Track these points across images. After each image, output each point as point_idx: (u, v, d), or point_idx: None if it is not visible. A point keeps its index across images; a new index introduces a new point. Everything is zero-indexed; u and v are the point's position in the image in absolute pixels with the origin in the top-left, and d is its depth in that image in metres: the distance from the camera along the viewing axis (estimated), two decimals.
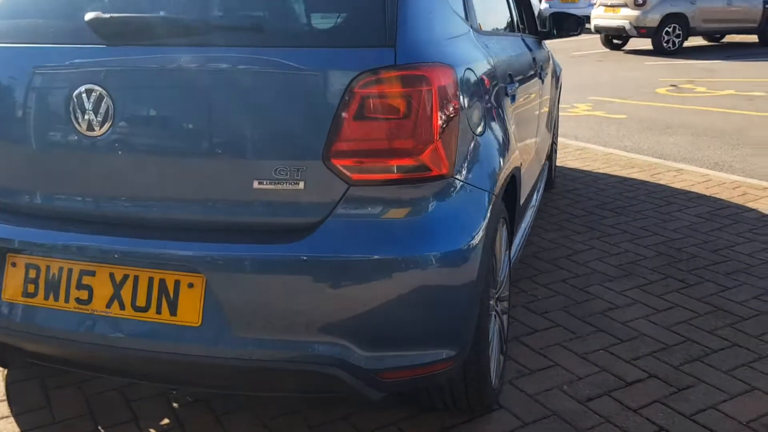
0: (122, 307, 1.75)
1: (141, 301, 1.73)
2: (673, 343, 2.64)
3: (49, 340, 1.82)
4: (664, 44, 13.53)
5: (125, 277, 1.75)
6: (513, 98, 2.42)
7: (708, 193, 4.53)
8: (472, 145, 1.86)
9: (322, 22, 1.76)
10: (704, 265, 3.37)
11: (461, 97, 1.80)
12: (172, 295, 1.72)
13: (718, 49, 14.68)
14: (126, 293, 1.74)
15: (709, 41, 15.89)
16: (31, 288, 1.82)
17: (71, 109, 1.74)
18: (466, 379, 1.99)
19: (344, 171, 1.66)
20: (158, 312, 1.72)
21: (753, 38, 15.13)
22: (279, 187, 1.67)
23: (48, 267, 1.81)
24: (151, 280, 1.73)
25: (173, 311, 1.71)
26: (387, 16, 1.67)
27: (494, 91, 2.17)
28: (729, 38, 16.10)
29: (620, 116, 7.51)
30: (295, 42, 1.70)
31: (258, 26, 1.73)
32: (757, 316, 2.85)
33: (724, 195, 4.49)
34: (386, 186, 1.68)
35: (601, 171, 5.21)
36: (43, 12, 1.88)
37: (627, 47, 14.76)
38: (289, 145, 1.66)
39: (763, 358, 2.53)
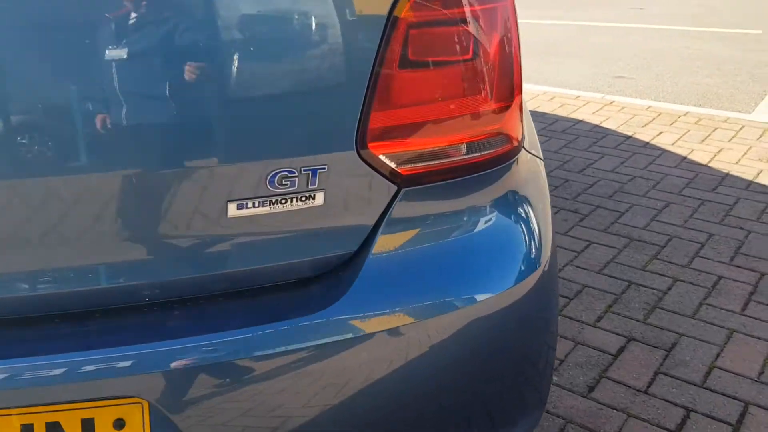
0: None
1: None
2: (620, 291, 2.32)
3: None
4: None
5: None
6: None
7: (530, 107, 4.34)
8: None
9: None
10: (583, 190, 3.12)
11: None
12: None
13: None
14: None
15: None
16: None
17: None
18: None
19: (389, 163, 0.92)
20: None
21: None
22: (278, 209, 0.88)
23: None
24: (26, 430, 0.85)
25: None
26: None
27: None
28: None
29: None
30: None
31: None
32: (670, 241, 2.65)
33: (545, 108, 4.33)
34: (449, 181, 0.98)
35: None
36: None
37: None
38: (294, 128, 0.86)
39: (712, 293, 2.31)
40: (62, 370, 0.83)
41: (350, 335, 0.89)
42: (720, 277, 2.39)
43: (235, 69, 0.82)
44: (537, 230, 1.07)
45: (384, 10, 0.86)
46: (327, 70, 0.86)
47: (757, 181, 3.19)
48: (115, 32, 0.78)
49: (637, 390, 1.86)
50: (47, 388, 0.84)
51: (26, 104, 0.78)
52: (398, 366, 0.92)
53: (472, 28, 0.93)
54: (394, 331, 0.91)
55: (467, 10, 0.92)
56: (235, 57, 0.82)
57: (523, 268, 1.01)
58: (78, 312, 0.89)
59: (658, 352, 2.01)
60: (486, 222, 1.01)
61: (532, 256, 1.03)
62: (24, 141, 0.79)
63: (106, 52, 0.78)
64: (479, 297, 0.96)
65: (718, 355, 1.99)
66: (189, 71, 0.81)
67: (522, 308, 1.01)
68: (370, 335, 0.90)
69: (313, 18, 0.84)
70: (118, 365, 0.85)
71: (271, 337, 0.87)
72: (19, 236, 0.83)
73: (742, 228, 2.74)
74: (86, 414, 0.86)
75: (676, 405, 1.80)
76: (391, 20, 0.87)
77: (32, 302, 0.87)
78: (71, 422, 0.86)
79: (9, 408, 0.84)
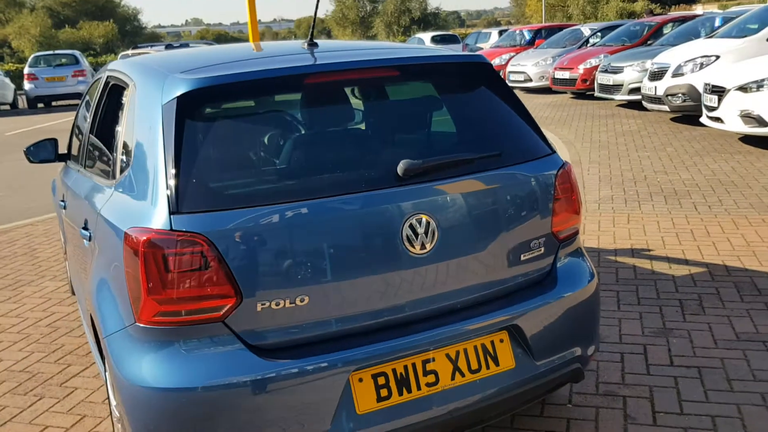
0: (462, 375, 2.27)
1: (475, 365, 2.29)
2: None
3: (408, 429, 2.18)
4: None
5: (457, 353, 2.27)
6: None
7: None
8: None
9: (517, 145, 2.54)
10: None
11: None
12: (492, 352, 2.33)
13: None
14: (462, 364, 2.27)
15: None
16: (384, 392, 2.16)
17: (403, 236, 2.17)
18: None
19: (559, 236, 2.55)
20: (487, 368, 2.31)
21: None
22: (530, 255, 2.46)
23: (394, 370, 2.18)
24: (476, 348, 2.31)
25: (496, 363, 2.33)
26: (542, 135, 2.61)
27: None
28: None
29: None
30: (517, 160, 2.47)
31: (497, 154, 2.43)
32: None
33: None
34: (571, 238, 2.63)
35: None
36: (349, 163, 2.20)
37: None
38: (537, 227, 2.45)
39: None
40: (483, 322, 2.31)
41: (568, 293, 2.48)
42: None
43: (517, 214, 2.41)
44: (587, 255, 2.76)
45: (551, 182, 2.51)
46: (542, 205, 2.47)
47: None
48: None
49: None
50: (481, 332, 2.30)
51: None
52: (579, 300, 2.52)
53: (573, 184, 2.61)
54: (577, 294, 2.51)
55: (573, 176, 2.60)
56: (517, 210, 2.41)
57: (593, 270, 2.69)
58: (476, 304, 2.37)
59: None
60: (577, 251, 2.67)
61: (593, 266, 2.71)
62: None
63: None
64: (590, 280, 2.61)
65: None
66: (512, 222, 2.39)
67: (595, 287, 2.66)
68: (571, 298, 2.49)
69: (532, 189, 2.46)
70: (501, 318, 2.34)
71: (551, 299, 2.43)
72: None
73: None
74: (491, 338, 2.33)
75: None
76: (554, 185, 2.51)
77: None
78: (488, 343, 2.32)
79: (466, 341, 2.28)
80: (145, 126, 2.28)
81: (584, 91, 14.77)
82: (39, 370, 3.80)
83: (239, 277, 2.03)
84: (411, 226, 2.18)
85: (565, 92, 15.98)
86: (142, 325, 2.08)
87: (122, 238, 2.13)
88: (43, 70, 21.85)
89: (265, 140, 2.39)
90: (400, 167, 2.20)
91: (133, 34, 67.39)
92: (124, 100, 2.67)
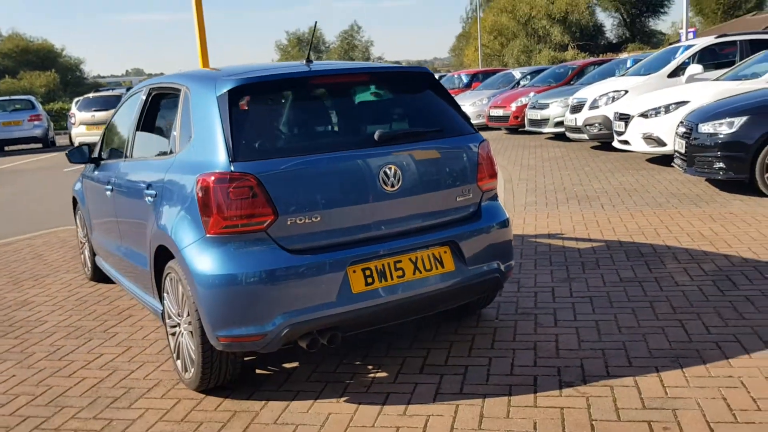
0: (420, 272, 3.41)
1: (428, 266, 3.44)
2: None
3: (385, 305, 3.30)
4: None
5: (417, 258, 3.43)
6: None
7: None
8: None
9: (451, 126, 3.75)
10: None
11: None
12: (440, 258, 3.49)
13: None
14: (420, 265, 3.42)
15: None
16: (369, 280, 3.29)
17: (380, 179, 3.32)
18: None
19: (482, 189, 3.75)
20: (436, 268, 3.47)
21: None
22: (463, 197, 3.65)
23: (376, 266, 3.32)
24: (428, 255, 3.46)
25: (442, 266, 3.49)
26: (469, 120, 3.84)
27: None
28: None
29: None
30: (452, 134, 3.68)
31: (439, 130, 3.64)
32: None
33: None
34: (492, 190, 3.83)
35: None
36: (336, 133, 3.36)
37: None
38: (467, 180, 3.64)
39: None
40: (433, 238, 3.48)
41: (490, 224, 3.67)
42: None
43: (454, 169, 3.61)
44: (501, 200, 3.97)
45: (476, 151, 3.72)
46: (470, 166, 3.68)
47: None
48: None
49: None
50: (432, 246, 3.46)
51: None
52: (497, 229, 3.71)
53: (490, 153, 3.84)
54: (496, 226, 3.71)
55: (490, 148, 3.83)
56: (454, 167, 3.61)
57: (506, 213, 3.90)
58: (428, 228, 3.54)
59: None
60: (495, 198, 3.88)
61: (505, 209, 3.92)
62: None
63: None
64: (505, 218, 3.82)
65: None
66: (450, 174, 3.59)
67: (507, 222, 3.87)
68: (491, 227, 3.69)
69: (463, 155, 3.66)
70: (445, 237, 3.51)
71: (472, 229, 3.61)
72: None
73: None
74: (439, 250, 3.50)
75: None
76: (479, 153, 3.72)
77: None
78: (436, 252, 3.49)
79: (423, 250, 3.44)
80: (203, 113, 3.40)
81: (517, 126, 16.36)
82: (82, 325, 4.78)
83: (276, 202, 3.14)
84: (384, 173, 3.35)
85: (500, 128, 17.57)
86: (210, 235, 3.17)
87: (195, 182, 3.23)
88: None
89: (286, 117, 3.53)
90: (377, 134, 3.38)
91: (74, 83, 67.54)
92: (176, 100, 3.78)
